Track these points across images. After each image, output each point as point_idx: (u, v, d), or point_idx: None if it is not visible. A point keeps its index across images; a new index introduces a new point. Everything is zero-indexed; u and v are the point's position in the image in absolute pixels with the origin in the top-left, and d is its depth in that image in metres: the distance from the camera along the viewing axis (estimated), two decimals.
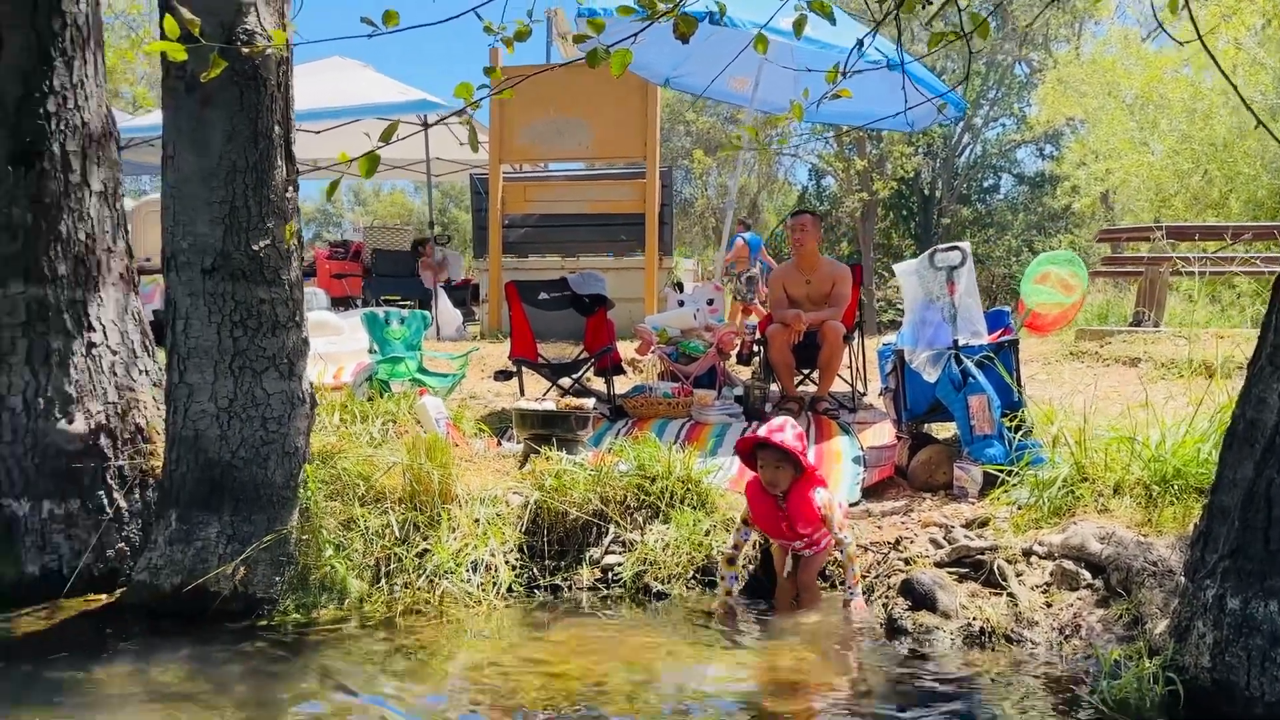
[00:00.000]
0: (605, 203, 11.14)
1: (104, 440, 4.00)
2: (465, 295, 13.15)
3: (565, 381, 6.74)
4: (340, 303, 12.13)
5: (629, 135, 10.32)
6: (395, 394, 5.69)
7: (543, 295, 7.14)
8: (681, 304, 7.05)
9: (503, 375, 7.15)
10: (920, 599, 3.56)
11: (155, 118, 10.75)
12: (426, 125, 8.10)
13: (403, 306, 7.12)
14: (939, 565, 3.78)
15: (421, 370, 6.53)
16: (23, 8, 3.91)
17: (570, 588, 4.06)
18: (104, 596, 3.89)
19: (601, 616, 3.82)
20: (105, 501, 3.99)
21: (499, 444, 5.44)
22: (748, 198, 29.29)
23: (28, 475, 3.92)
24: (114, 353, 4.09)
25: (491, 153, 10.56)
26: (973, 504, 4.36)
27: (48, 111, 3.96)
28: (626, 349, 7.33)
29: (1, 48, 3.89)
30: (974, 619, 3.46)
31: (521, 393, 6.54)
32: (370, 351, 6.53)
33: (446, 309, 11.09)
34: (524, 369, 6.72)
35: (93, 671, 3.22)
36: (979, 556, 3.75)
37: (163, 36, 2.57)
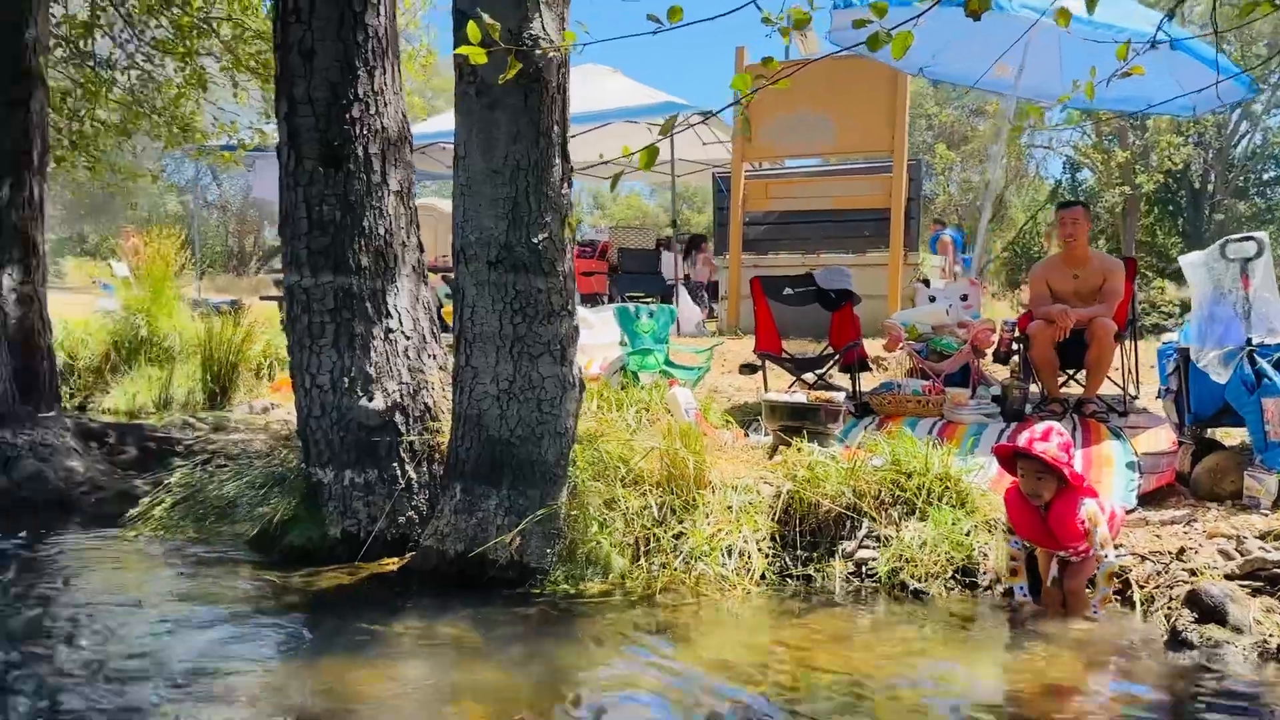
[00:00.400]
0: (848, 198, 10.98)
1: (398, 417, 4.37)
2: (705, 292, 13.37)
3: (809, 377, 6.72)
4: (588, 299, 12.62)
5: (875, 129, 10.11)
6: (645, 384, 5.88)
7: (788, 290, 7.15)
8: (933, 299, 6.85)
9: (747, 369, 7.24)
10: (1208, 611, 3.32)
11: (425, 126, 11.64)
12: (670, 129, 8.28)
13: (646, 302, 7.36)
14: (1229, 578, 3.51)
15: (669, 363, 6.72)
16: (331, 22, 4.29)
17: (823, 579, 4.06)
18: (394, 560, 4.23)
19: (856, 610, 3.80)
20: (398, 473, 4.35)
21: (746, 435, 5.52)
22: (994, 193, 27.91)
23: (333, 447, 4.35)
24: (407, 338, 4.46)
25: (735, 150, 10.69)
26: (1265, 515, 4.01)
27: (352, 117, 4.35)
28: (871, 346, 7.21)
29: (314, 59, 4.30)
30: (1270, 635, 3.20)
31: (765, 387, 6.58)
32: (621, 344, 6.78)
33: (687, 305, 11.32)
34: (768, 363, 6.76)
35: (389, 625, 3.55)
36: (1276, 570, 3.46)
37: (458, 44, 2.78)
